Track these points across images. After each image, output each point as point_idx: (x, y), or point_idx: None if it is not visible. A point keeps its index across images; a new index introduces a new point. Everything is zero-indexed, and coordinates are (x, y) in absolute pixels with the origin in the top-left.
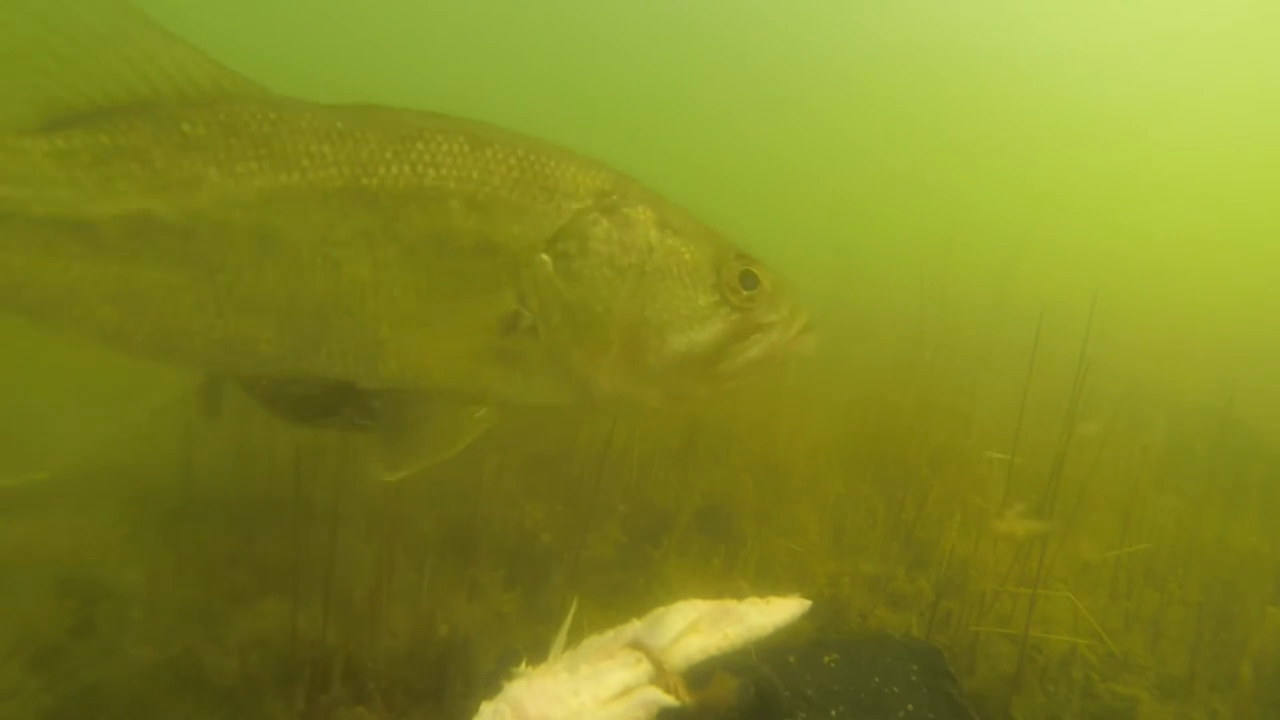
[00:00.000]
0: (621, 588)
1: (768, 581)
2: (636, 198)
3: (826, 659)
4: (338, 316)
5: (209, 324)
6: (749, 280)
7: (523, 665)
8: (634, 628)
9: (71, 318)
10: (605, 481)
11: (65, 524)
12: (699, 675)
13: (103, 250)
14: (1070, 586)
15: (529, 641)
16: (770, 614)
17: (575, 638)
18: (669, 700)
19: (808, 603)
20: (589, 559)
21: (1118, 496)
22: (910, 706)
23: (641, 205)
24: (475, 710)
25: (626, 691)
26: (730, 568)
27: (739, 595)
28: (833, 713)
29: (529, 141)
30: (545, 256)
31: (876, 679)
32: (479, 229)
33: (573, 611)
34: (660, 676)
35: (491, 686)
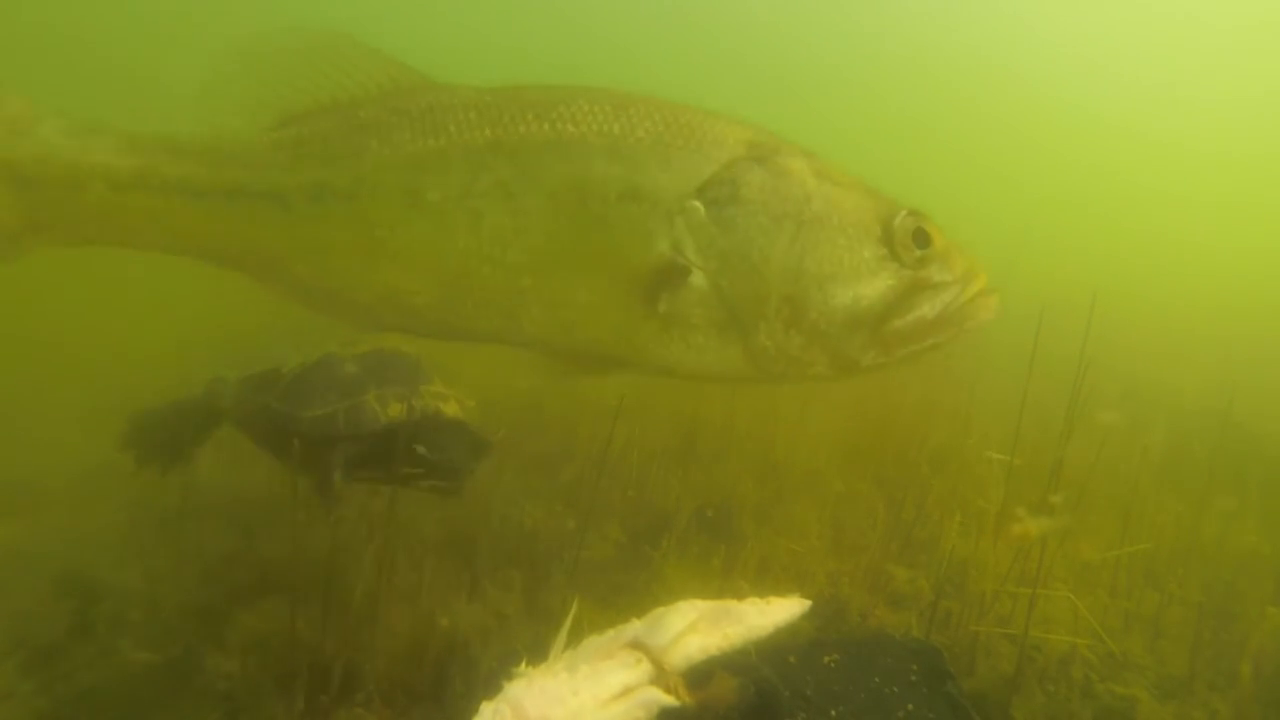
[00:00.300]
0: (621, 588)
1: (768, 581)
2: (790, 149)
3: (826, 659)
4: (480, 265)
5: (372, 278)
6: (921, 238)
7: (523, 665)
8: (634, 628)
9: (277, 276)
10: (605, 482)
11: (64, 523)
12: (699, 675)
13: (293, 215)
14: (1070, 586)
15: (529, 641)
16: (770, 614)
17: (575, 638)
18: (669, 700)
19: (808, 603)
20: (589, 559)
21: (1118, 497)
22: (910, 706)
23: (796, 156)
24: (475, 710)
25: (626, 691)
26: (730, 568)
27: (739, 595)
28: (833, 713)
29: (674, 102)
30: (697, 203)
31: (876, 679)
32: (623, 176)
33: (573, 611)
34: (660, 676)
35: (491, 686)
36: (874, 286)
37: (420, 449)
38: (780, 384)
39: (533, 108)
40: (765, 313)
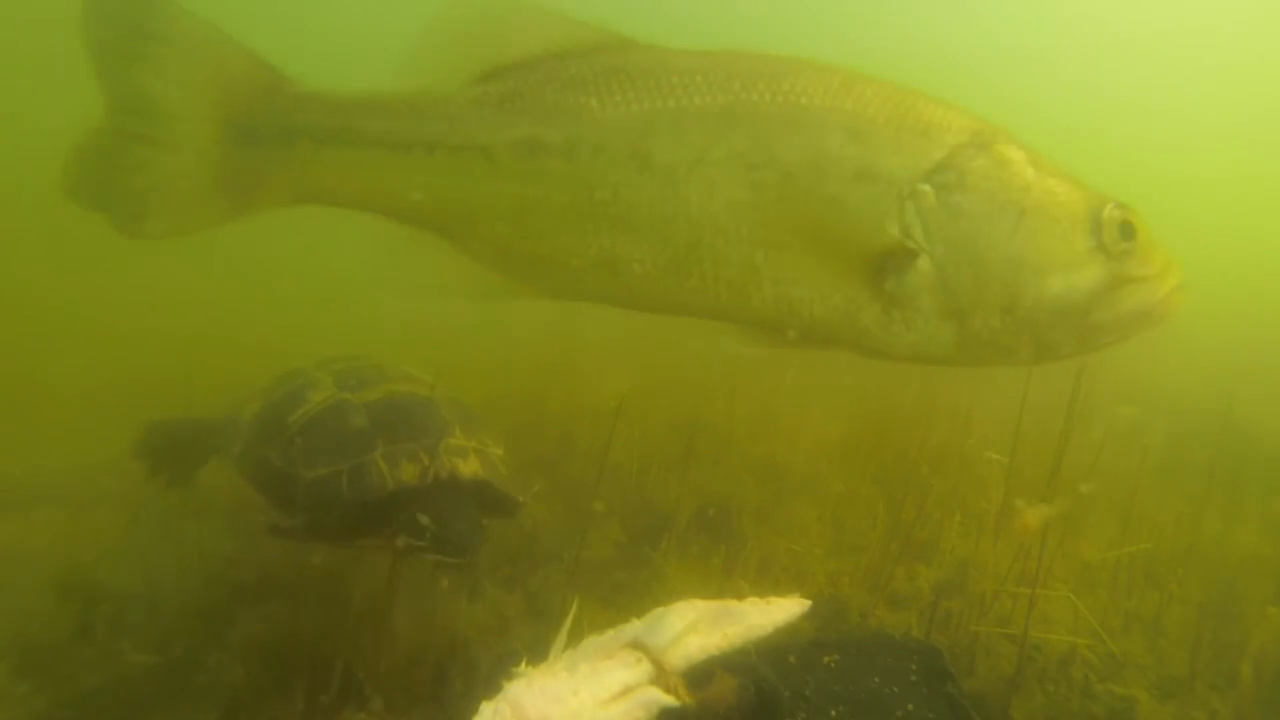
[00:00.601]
0: (621, 588)
1: (768, 581)
2: (1007, 137)
3: (826, 659)
4: (712, 237)
5: (586, 242)
6: (1128, 230)
7: (523, 665)
8: (634, 628)
9: (477, 235)
10: (605, 482)
11: (64, 522)
12: (699, 675)
13: (498, 170)
14: (1070, 586)
15: (529, 641)
16: (770, 614)
17: (575, 638)
18: (669, 700)
19: (808, 603)
20: (589, 559)
21: (1118, 497)
22: (910, 706)
23: (1013, 145)
24: (475, 710)
25: (626, 691)
26: (730, 568)
27: (739, 595)
28: (832, 713)
29: (896, 82)
30: (927, 187)
31: (876, 679)
32: (859, 157)
33: (573, 611)
34: (660, 676)
35: (491, 686)
36: (1084, 278)
37: (424, 519)
38: (978, 368)
39: (762, 78)
40: (983, 299)
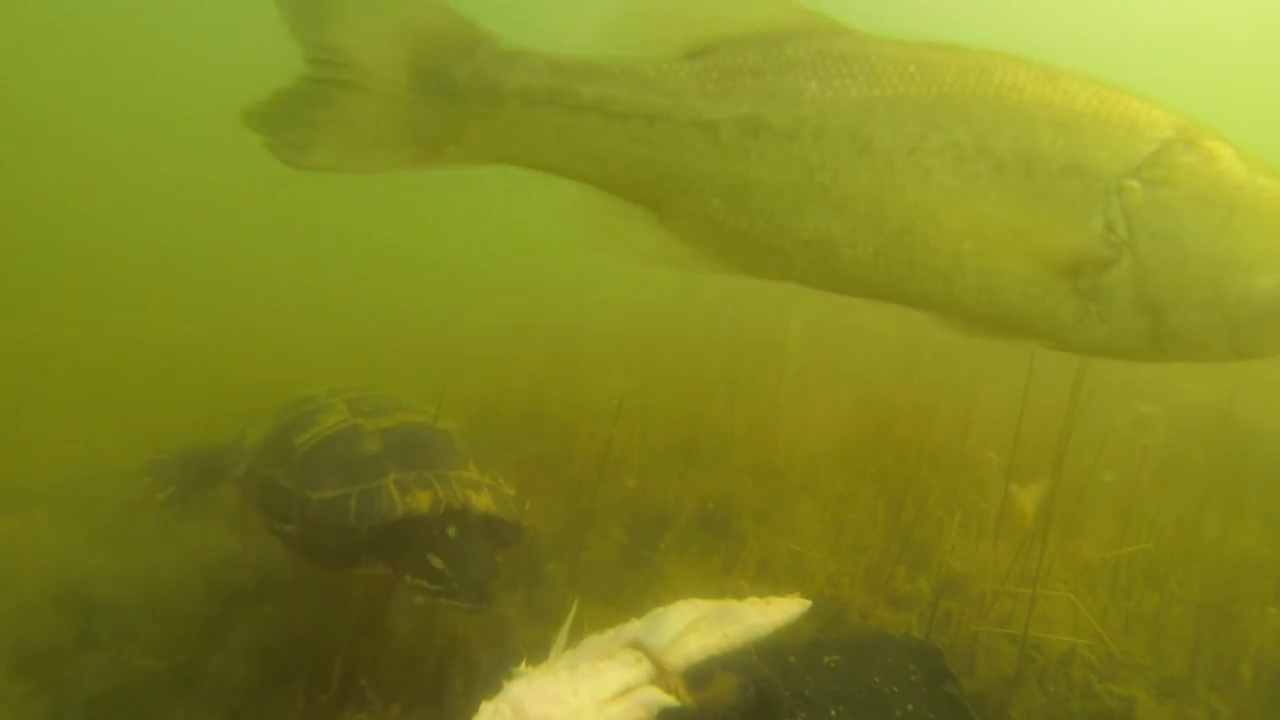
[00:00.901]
0: (621, 588)
1: (768, 581)
2: (1214, 134)
3: (826, 659)
4: (923, 224)
5: (801, 223)
6: None
7: (523, 665)
8: (634, 628)
9: (687, 208)
10: (605, 482)
11: (63, 523)
12: (699, 675)
13: (720, 147)
14: (1070, 586)
15: (529, 641)
16: (770, 614)
17: (575, 638)
18: (669, 700)
19: (808, 603)
20: (589, 559)
21: (1118, 497)
22: (910, 706)
23: (1221, 142)
24: (475, 710)
25: (626, 691)
26: (730, 568)
27: (739, 595)
28: (832, 713)
29: (1097, 77)
30: (1134, 183)
31: (876, 679)
32: (1067, 151)
33: (573, 611)
34: (660, 676)
35: (491, 686)
36: None
37: (437, 562)
38: (1169, 363)
39: (973, 70)
40: (1186, 297)
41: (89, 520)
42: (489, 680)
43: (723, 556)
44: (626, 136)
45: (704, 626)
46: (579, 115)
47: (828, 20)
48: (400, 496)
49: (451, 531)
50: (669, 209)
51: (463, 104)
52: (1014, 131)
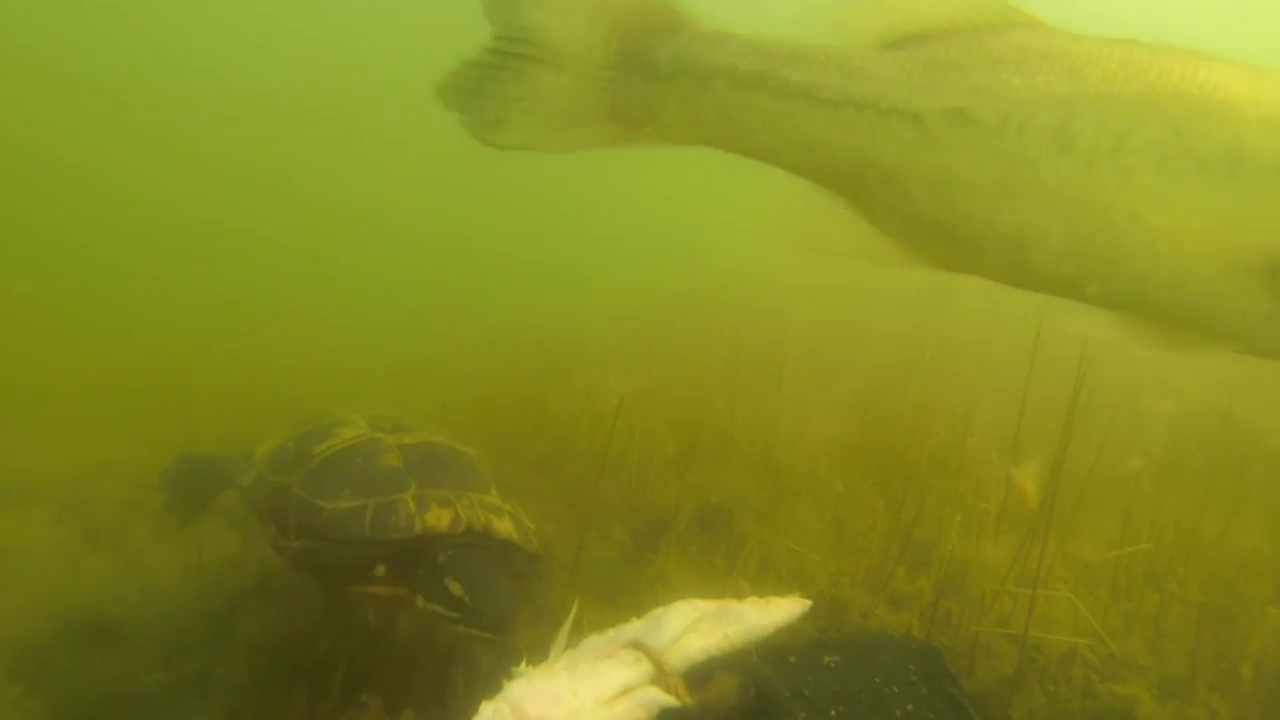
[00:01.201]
0: (621, 588)
1: (768, 581)
2: None
3: (826, 659)
4: (1120, 222)
5: (999, 217)
6: None
7: (523, 665)
8: (634, 628)
9: (882, 199)
10: (606, 482)
11: (63, 523)
12: (699, 675)
13: (926, 138)
14: (1070, 586)
15: (529, 641)
16: (770, 614)
17: (575, 638)
18: (669, 700)
19: (808, 603)
20: (589, 559)
21: (1118, 496)
22: (910, 706)
23: None
24: (475, 710)
25: (626, 691)
26: (730, 568)
27: (739, 595)
28: (832, 713)
29: None
30: None
31: (876, 679)
32: (1274, 151)
33: (573, 611)
34: (660, 676)
35: (491, 686)
36: None
37: (456, 589)
38: None
39: (1176, 69)
40: None
41: (89, 520)
42: (489, 680)
43: (723, 556)
44: (834, 124)
45: (704, 626)
46: (787, 100)
47: (1022, 14)
48: (419, 512)
49: (471, 556)
50: (867, 199)
51: (665, 84)
52: (1219, 131)
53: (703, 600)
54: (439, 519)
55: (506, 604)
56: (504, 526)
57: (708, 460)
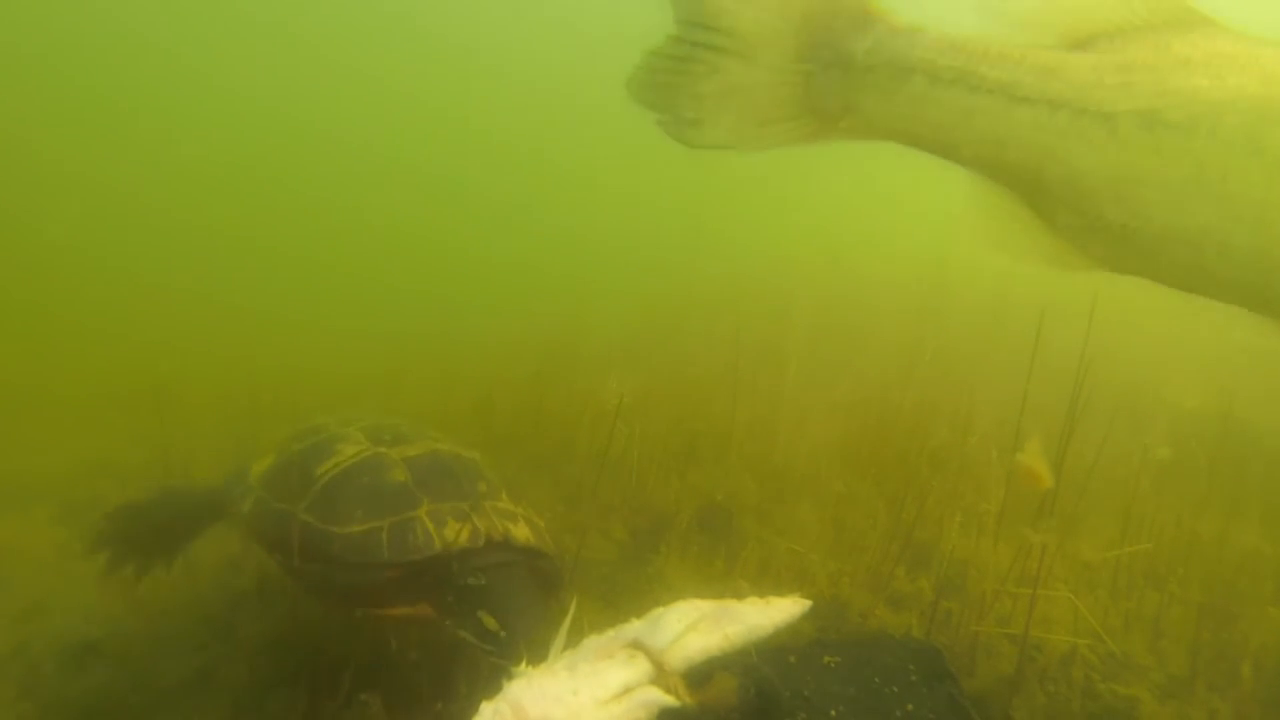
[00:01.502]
0: (621, 588)
1: (768, 581)
2: None
3: (826, 659)
4: None
5: (1180, 220)
6: None
7: (523, 665)
8: (634, 628)
9: (1065, 200)
10: (605, 482)
11: (63, 523)
12: (699, 675)
13: (1116, 139)
14: (1070, 586)
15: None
16: (770, 614)
17: (575, 638)
18: (669, 700)
19: (808, 603)
20: (589, 559)
21: (1118, 496)
22: (910, 706)
23: None
24: (475, 710)
25: (626, 691)
26: (730, 568)
27: (739, 595)
28: (832, 713)
29: None
30: None
31: (876, 679)
32: None
33: (572, 611)
34: (660, 676)
35: (491, 686)
36: None
37: (490, 622)
38: None
39: None
40: None
41: (89, 520)
42: (489, 680)
43: (723, 556)
44: (1028, 122)
45: (704, 626)
46: (983, 97)
47: (1202, 16)
48: (436, 529)
49: (503, 585)
50: (1047, 199)
51: (862, 78)
52: None
53: (703, 600)
54: (458, 534)
55: (539, 635)
56: (521, 532)
57: (708, 460)
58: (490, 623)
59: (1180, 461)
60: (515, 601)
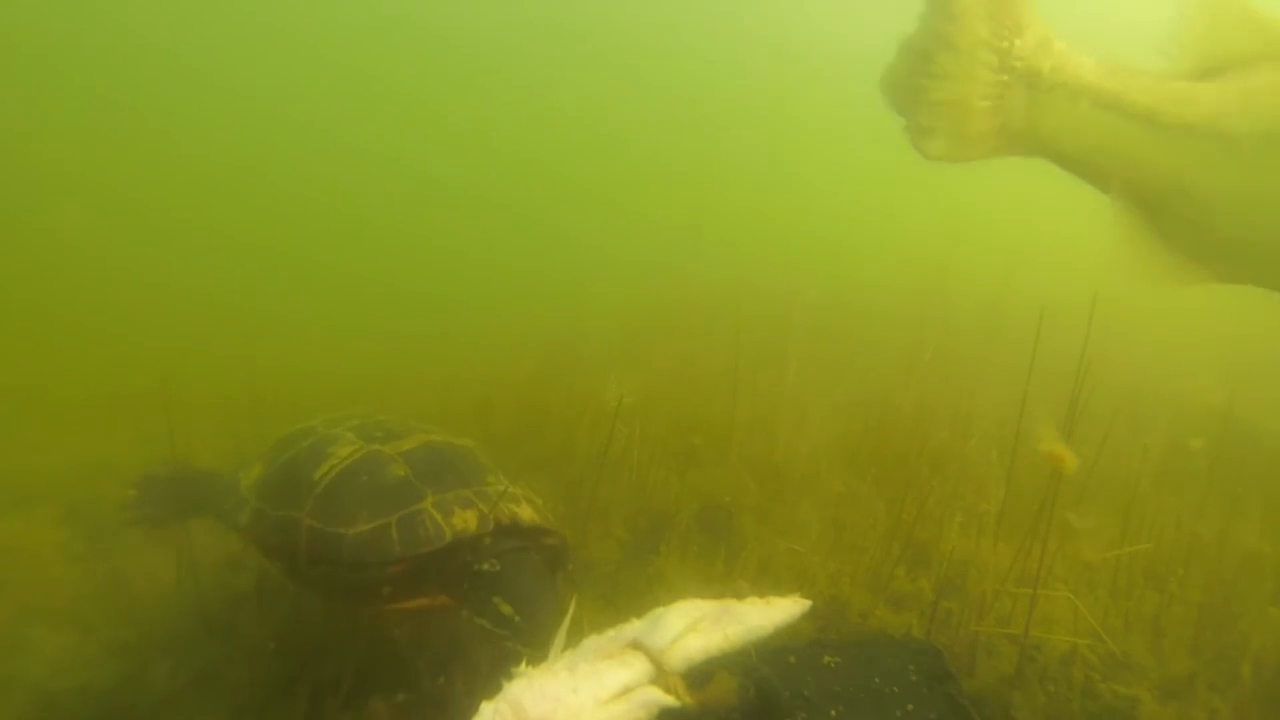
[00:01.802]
0: (622, 588)
1: (768, 581)
2: None
3: (826, 659)
4: None
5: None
6: None
7: (523, 665)
8: (634, 628)
9: (1191, 217)
10: (606, 482)
11: (63, 523)
12: (699, 675)
13: (1237, 159)
14: (1070, 586)
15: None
16: (770, 614)
17: (575, 638)
18: (669, 700)
19: (808, 603)
20: (589, 559)
21: (1118, 496)
22: (910, 706)
23: None
24: (475, 710)
25: (626, 691)
26: (730, 568)
27: (739, 595)
28: (832, 713)
29: None
30: None
31: (876, 679)
32: None
33: (572, 611)
34: (660, 676)
35: (491, 686)
36: None
37: (506, 609)
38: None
39: None
40: None
41: (89, 520)
42: (489, 680)
43: (723, 556)
44: (1164, 146)
45: (704, 626)
46: (1131, 122)
47: None
48: (445, 519)
49: (516, 571)
50: (1167, 216)
51: (1044, 95)
52: None
53: (703, 600)
54: (466, 522)
55: (554, 619)
56: (526, 513)
57: (708, 460)
58: (506, 608)
59: (1180, 461)
60: (528, 586)
